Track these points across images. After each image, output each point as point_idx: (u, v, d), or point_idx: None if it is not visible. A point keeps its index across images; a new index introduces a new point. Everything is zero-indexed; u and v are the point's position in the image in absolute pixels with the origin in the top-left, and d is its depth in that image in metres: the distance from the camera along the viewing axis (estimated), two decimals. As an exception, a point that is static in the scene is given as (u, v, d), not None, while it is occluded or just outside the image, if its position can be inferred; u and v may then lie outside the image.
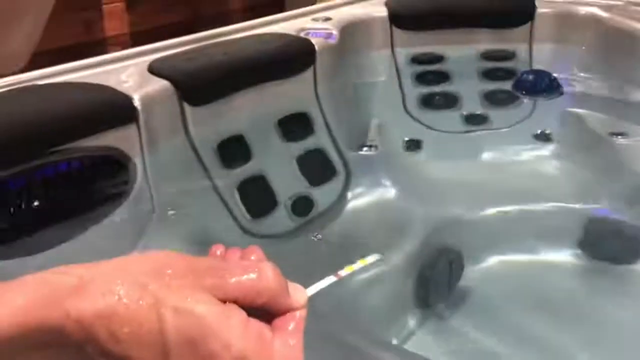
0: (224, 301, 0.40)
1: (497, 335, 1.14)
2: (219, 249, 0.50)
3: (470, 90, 1.55)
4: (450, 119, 1.52)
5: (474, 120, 1.52)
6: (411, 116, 1.52)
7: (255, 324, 0.41)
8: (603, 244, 1.28)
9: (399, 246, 1.20)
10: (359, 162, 1.36)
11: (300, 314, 0.44)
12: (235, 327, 0.39)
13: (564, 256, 1.30)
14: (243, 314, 0.41)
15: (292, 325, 0.43)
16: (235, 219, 1.18)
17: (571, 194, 1.34)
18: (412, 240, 1.21)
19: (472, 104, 1.54)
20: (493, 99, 1.54)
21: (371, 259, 0.53)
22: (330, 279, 0.50)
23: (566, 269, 1.28)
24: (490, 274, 1.27)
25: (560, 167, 1.42)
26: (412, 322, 1.17)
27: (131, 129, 1.05)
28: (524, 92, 1.53)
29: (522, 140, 1.48)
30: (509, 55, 1.61)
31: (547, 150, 1.46)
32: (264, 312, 0.43)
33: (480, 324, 1.16)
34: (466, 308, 1.20)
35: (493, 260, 1.30)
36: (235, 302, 0.41)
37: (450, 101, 1.55)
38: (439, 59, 1.60)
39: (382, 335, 1.09)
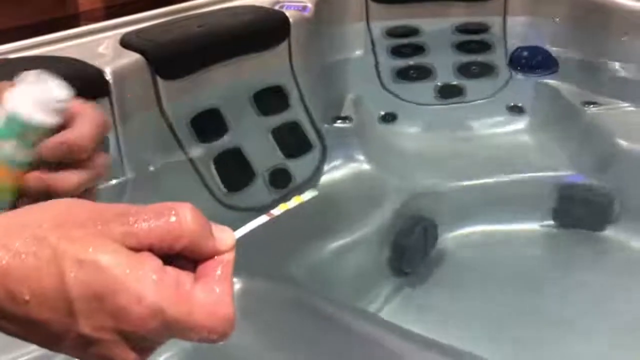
0: (138, 250, 0.36)
1: (471, 303, 1.16)
2: None
3: (445, 63, 1.56)
4: (425, 91, 1.52)
5: (449, 92, 1.53)
6: (386, 89, 1.53)
7: (172, 272, 0.36)
8: (573, 211, 1.30)
9: (375, 216, 1.21)
10: (335, 135, 1.37)
11: (227, 257, 0.39)
12: (146, 278, 0.35)
13: (536, 224, 1.32)
14: (156, 261, 0.36)
15: (218, 270, 0.38)
16: (211, 192, 1.19)
17: (544, 164, 1.36)
18: (387, 210, 1.23)
19: (446, 77, 1.54)
20: (467, 71, 1.55)
21: (307, 195, 0.50)
22: (262, 219, 0.45)
23: (538, 236, 1.31)
24: (463, 243, 1.29)
25: (533, 138, 1.44)
26: (386, 291, 1.18)
27: (103, 103, 1.04)
28: (518, 69, 1.54)
29: (496, 112, 1.49)
30: (483, 28, 1.61)
31: (520, 121, 1.48)
32: (186, 259, 0.38)
33: (454, 293, 1.19)
34: (440, 276, 1.22)
35: (467, 229, 1.32)
36: (151, 250, 0.36)
37: (425, 74, 1.55)
38: (414, 32, 1.60)
39: (357, 304, 1.11)
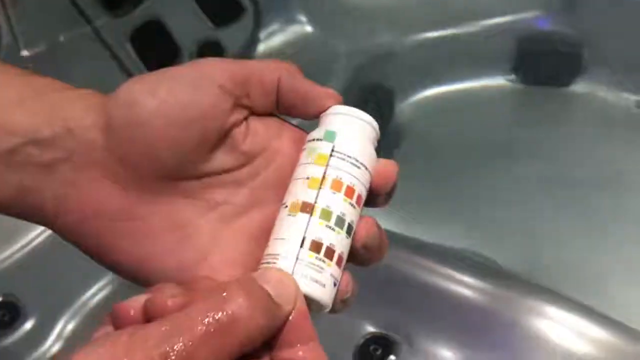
0: None
1: (440, 182, 1.06)
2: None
3: None
4: None
5: None
6: None
7: None
8: (539, 63, 1.18)
9: (322, 89, 1.07)
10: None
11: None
12: None
13: (500, 82, 1.20)
14: None
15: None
16: (131, 75, 1.03)
17: (505, 9, 1.21)
18: (335, 81, 1.10)
19: None
20: None
21: None
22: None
23: (503, 93, 1.19)
24: (424, 110, 1.17)
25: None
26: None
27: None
28: None
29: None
30: None
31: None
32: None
33: (421, 173, 1.07)
34: (401, 152, 1.11)
35: (425, 94, 1.19)
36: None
37: None
38: None
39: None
